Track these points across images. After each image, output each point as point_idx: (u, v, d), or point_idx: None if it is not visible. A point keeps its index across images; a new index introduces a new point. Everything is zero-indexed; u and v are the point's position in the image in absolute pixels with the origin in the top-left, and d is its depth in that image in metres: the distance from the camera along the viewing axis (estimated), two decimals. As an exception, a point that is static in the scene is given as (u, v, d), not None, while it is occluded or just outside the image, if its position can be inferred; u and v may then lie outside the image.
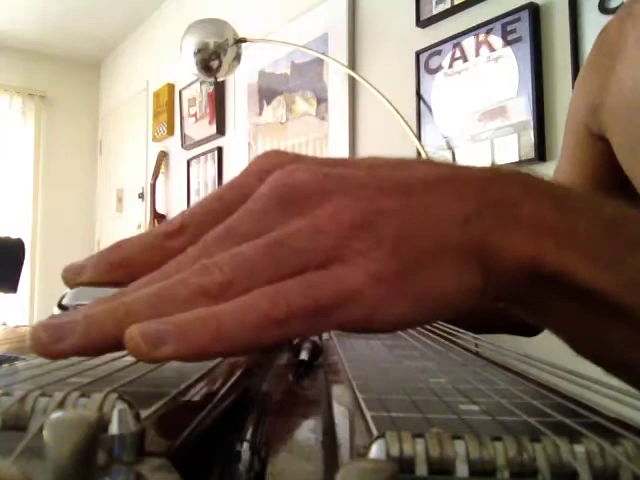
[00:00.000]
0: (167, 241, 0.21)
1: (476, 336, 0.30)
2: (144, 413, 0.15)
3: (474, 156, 1.64)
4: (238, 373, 0.22)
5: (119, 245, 0.22)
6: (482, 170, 0.21)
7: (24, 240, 2.71)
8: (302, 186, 0.19)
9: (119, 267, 0.21)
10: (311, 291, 0.18)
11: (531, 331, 0.62)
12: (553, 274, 0.19)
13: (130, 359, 0.23)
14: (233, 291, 0.18)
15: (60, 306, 0.18)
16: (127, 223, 3.88)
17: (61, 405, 0.15)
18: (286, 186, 0.20)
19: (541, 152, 1.48)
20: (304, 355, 0.25)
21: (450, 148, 1.71)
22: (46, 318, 0.19)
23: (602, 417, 0.17)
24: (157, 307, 0.18)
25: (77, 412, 0.14)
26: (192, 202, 3.11)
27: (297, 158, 0.22)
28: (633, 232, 0.21)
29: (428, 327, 0.35)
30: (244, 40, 2.04)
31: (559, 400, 0.18)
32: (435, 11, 1.77)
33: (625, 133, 0.54)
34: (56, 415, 0.13)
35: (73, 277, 0.22)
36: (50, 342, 0.17)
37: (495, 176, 0.21)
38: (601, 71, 0.57)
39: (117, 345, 0.17)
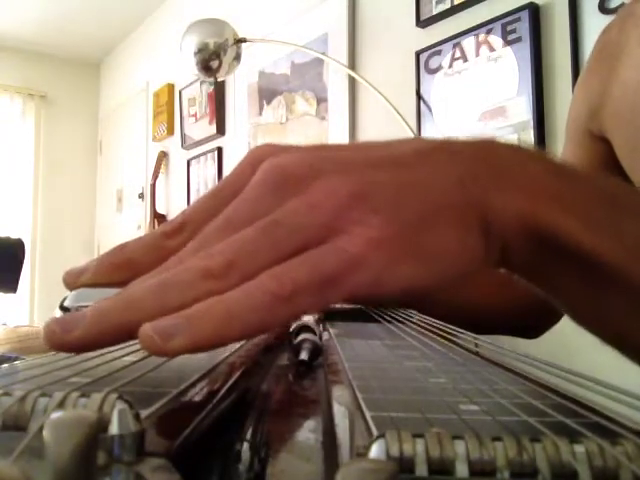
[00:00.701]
0: (167, 241, 0.22)
1: (476, 336, 0.30)
2: (144, 413, 0.15)
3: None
4: (238, 373, 0.22)
5: (120, 247, 0.22)
6: (476, 139, 0.21)
7: (24, 239, 2.71)
8: (293, 169, 0.20)
9: (121, 268, 0.21)
10: (315, 265, 0.18)
11: (531, 333, 0.62)
12: (551, 235, 0.19)
13: (130, 359, 0.23)
14: (236, 271, 0.18)
15: (62, 308, 0.19)
16: (127, 223, 3.88)
17: (61, 405, 0.15)
18: (278, 170, 0.20)
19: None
20: (304, 355, 0.25)
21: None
22: (50, 319, 0.19)
23: (602, 417, 0.17)
24: (162, 293, 0.18)
25: (77, 412, 0.14)
26: (192, 202, 3.11)
27: (287, 147, 0.22)
28: (632, 202, 0.21)
29: (428, 327, 0.35)
30: (244, 40, 2.04)
31: (559, 400, 0.18)
32: (435, 11, 1.77)
33: (627, 134, 0.54)
34: (56, 415, 0.13)
35: (74, 279, 0.22)
36: (61, 333, 0.18)
37: (489, 143, 0.21)
38: (602, 73, 0.57)
39: (127, 333, 0.17)
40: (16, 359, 0.22)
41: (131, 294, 0.18)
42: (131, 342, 0.18)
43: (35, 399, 0.15)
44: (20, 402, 0.15)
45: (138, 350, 0.24)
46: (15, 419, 0.15)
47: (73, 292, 0.18)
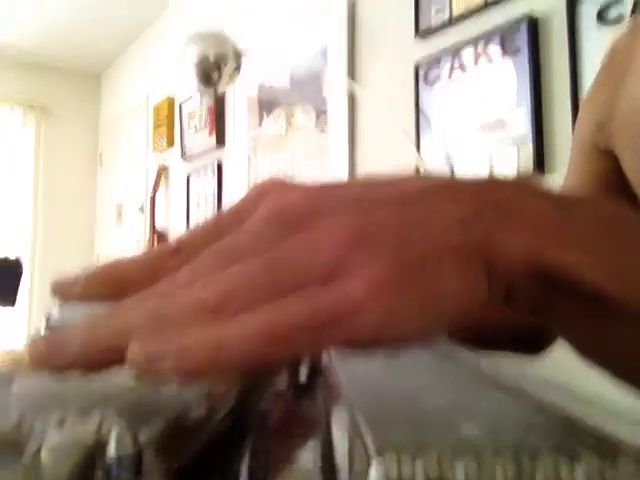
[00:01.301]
0: (162, 261, 0.21)
1: (477, 353, 0.30)
2: (142, 434, 0.15)
3: (473, 168, 1.64)
4: (237, 395, 0.22)
5: (113, 263, 0.22)
6: (477, 178, 0.21)
7: (23, 252, 2.71)
8: (297, 207, 0.20)
9: (112, 283, 0.21)
10: (314, 304, 0.17)
11: (534, 349, 0.62)
12: (557, 273, 0.19)
13: (129, 380, 0.23)
14: (232, 305, 0.17)
15: (48, 324, 0.18)
16: (127, 237, 3.88)
17: (59, 426, 0.15)
18: (282, 207, 0.20)
19: (540, 165, 1.48)
20: (303, 376, 0.25)
21: (449, 159, 1.71)
22: (36, 336, 0.18)
23: (602, 437, 0.17)
24: (156, 320, 0.17)
25: (75, 433, 0.14)
26: (192, 216, 3.12)
27: (293, 184, 0.22)
28: (634, 231, 0.21)
29: (428, 344, 0.35)
30: (244, 52, 2.05)
31: (559, 419, 0.18)
32: (434, 22, 1.78)
33: (634, 147, 0.54)
34: (54, 436, 0.13)
35: (64, 291, 0.22)
36: (49, 355, 0.17)
37: (491, 182, 0.21)
38: (610, 86, 0.57)
39: (115, 358, 0.17)
40: (12, 379, 0.22)
41: (125, 320, 0.18)
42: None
43: (33, 420, 0.15)
44: (17, 423, 0.15)
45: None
46: (13, 440, 0.15)
47: (60, 307, 0.18)
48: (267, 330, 0.17)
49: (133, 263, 0.22)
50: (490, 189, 0.21)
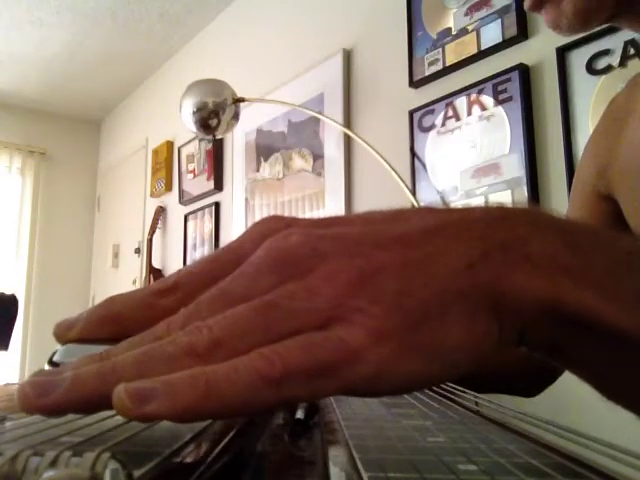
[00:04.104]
0: (160, 299, 0.21)
1: (476, 394, 0.29)
2: (137, 473, 0.15)
3: (469, 212, 1.65)
4: (232, 432, 0.22)
5: (111, 301, 0.22)
6: (486, 210, 0.20)
7: (18, 294, 2.69)
8: (296, 249, 0.19)
9: (110, 323, 0.21)
10: (310, 350, 0.17)
11: (531, 391, 0.62)
12: (571, 313, 0.18)
13: (122, 418, 0.22)
14: (222, 351, 0.17)
15: (51, 362, 0.18)
16: (123, 278, 3.87)
17: (53, 464, 0.15)
18: (280, 250, 0.19)
19: (535, 208, 1.49)
20: (300, 414, 0.25)
21: (445, 204, 1.73)
22: (32, 373, 0.18)
23: (602, 477, 0.16)
24: (143, 365, 0.17)
25: (69, 472, 0.14)
26: (189, 257, 3.12)
27: (293, 222, 0.22)
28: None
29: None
30: (242, 100, 2.09)
31: (559, 459, 0.18)
32: (427, 72, 1.83)
33: (633, 193, 0.56)
34: (48, 475, 0.12)
35: (64, 332, 0.22)
36: (35, 397, 0.17)
37: (500, 216, 0.20)
38: (610, 135, 0.60)
39: (102, 402, 0.17)
40: (4, 418, 0.22)
41: (113, 362, 0.18)
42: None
43: (27, 458, 0.15)
44: (11, 461, 0.15)
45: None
46: (6, 479, 0.15)
47: (62, 347, 0.18)
48: (259, 375, 0.16)
49: (130, 301, 0.21)
50: (497, 226, 0.19)
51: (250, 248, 0.20)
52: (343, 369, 0.17)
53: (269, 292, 0.18)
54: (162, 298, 0.21)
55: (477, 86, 1.67)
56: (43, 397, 0.17)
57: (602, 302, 0.19)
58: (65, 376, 0.17)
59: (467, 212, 0.20)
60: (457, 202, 1.69)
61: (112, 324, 0.21)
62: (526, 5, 0.52)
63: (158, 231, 3.45)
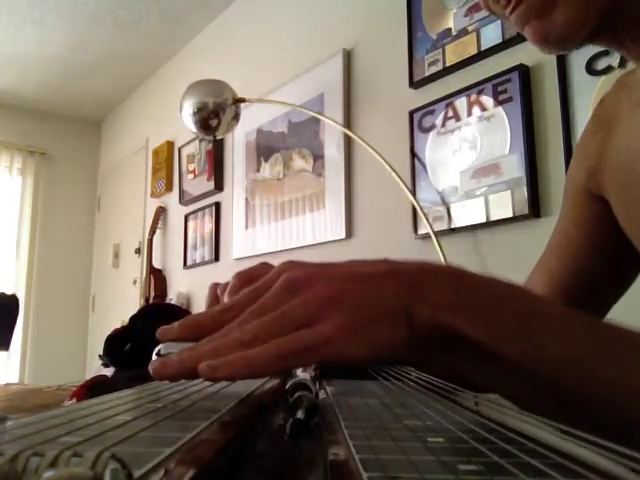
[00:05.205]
0: (222, 315, 0.35)
1: (476, 394, 0.30)
2: (137, 473, 0.15)
3: (469, 211, 1.65)
4: (233, 433, 0.22)
5: (192, 316, 0.37)
6: (416, 265, 0.33)
7: (19, 295, 2.69)
8: (299, 279, 0.32)
9: (194, 329, 0.35)
10: (301, 340, 0.29)
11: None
12: (447, 330, 0.30)
13: (122, 418, 0.23)
14: (256, 342, 0.30)
15: (158, 354, 0.34)
16: (123, 278, 3.88)
17: (53, 464, 0.15)
18: (290, 281, 0.33)
19: (535, 208, 1.50)
20: (300, 414, 0.25)
21: (445, 204, 1.73)
22: (154, 360, 0.32)
23: (603, 477, 0.16)
24: (215, 351, 0.30)
25: (69, 471, 0.14)
26: (189, 257, 3.12)
27: (303, 265, 0.34)
28: (514, 302, 0.32)
29: (426, 385, 0.35)
30: (243, 100, 2.09)
31: (559, 460, 0.18)
32: (427, 72, 1.83)
33: (622, 193, 0.58)
34: (48, 474, 0.13)
35: (165, 334, 0.35)
36: (162, 369, 0.30)
37: (418, 270, 0.32)
38: (598, 137, 0.62)
39: (195, 372, 0.29)
40: (4, 419, 0.22)
41: (198, 352, 0.30)
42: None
43: (27, 458, 0.15)
44: (11, 461, 0.15)
45: (131, 409, 0.24)
46: (6, 479, 0.15)
47: (163, 344, 0.34)
48: (274, 354, 0.29)
49: (206, 317, 0.36)
50: (415, 275, 0.32)
51: (275, 280, 0.34)
52: (320, 349, 0.29)
53: (284, 304, 0.31)
54: (223, 314, 0.35)
55: (477, 86, 1.67)
56: (165, 369, 0.30)
57: (467, 323, 0.30)
58: (174, 359, 0.30)
59: (406, 265, 0.33)
60: (457, 202, 1.69)
61: (194, 329, 0.35)
62: (513, 23, 0.51)
63: (158, 231, 3.46)
